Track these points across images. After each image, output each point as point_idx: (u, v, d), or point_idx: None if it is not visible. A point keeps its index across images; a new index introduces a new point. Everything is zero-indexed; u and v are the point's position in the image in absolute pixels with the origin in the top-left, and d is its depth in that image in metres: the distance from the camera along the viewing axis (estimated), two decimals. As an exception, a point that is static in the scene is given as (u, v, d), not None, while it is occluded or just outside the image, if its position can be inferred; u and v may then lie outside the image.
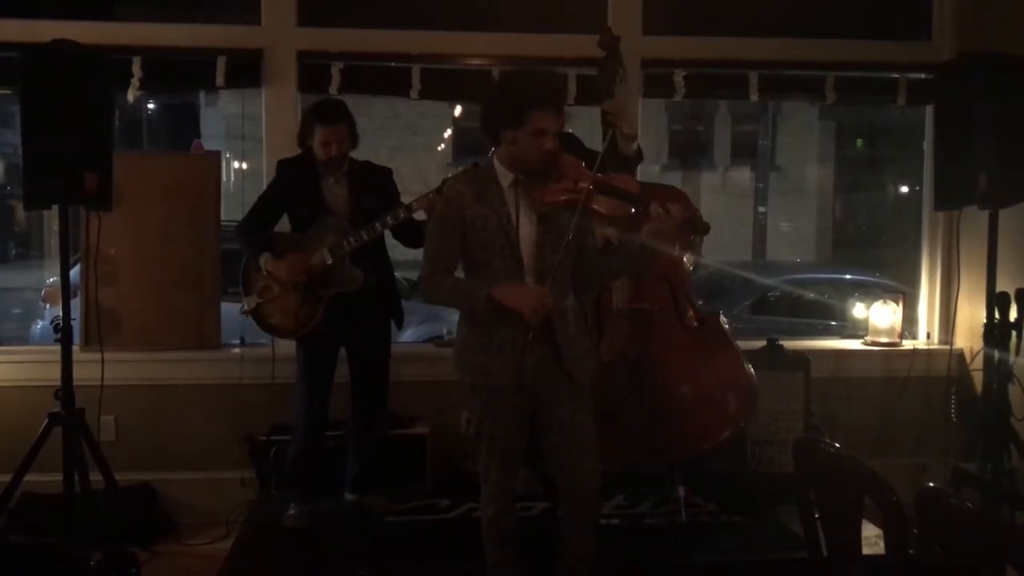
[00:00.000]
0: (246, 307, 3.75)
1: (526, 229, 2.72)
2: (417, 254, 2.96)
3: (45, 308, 6.98)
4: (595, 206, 2.71)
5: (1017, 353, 3.79)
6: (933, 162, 4.18)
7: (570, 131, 3.71)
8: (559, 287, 2.74)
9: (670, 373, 3.55)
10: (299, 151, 3.73)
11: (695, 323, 3.65)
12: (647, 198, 2.75)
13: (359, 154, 3.80)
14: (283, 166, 3.78)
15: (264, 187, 3.90)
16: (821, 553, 2.17)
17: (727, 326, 3.75)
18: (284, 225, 3.80)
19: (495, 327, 2.73)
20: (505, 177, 2.73)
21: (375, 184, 3.74)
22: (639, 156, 3.69)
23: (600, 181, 2.73)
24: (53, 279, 7.11)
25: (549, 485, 3.40)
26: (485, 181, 2.75)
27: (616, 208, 2.74)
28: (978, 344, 4.03)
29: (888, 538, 1.90)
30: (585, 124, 3.80)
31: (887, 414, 4.45)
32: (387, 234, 3.65)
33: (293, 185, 3.69)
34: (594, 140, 3.78)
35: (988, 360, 3.86)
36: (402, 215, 3.56)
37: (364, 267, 3.63)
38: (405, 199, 3.66)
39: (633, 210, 2.73)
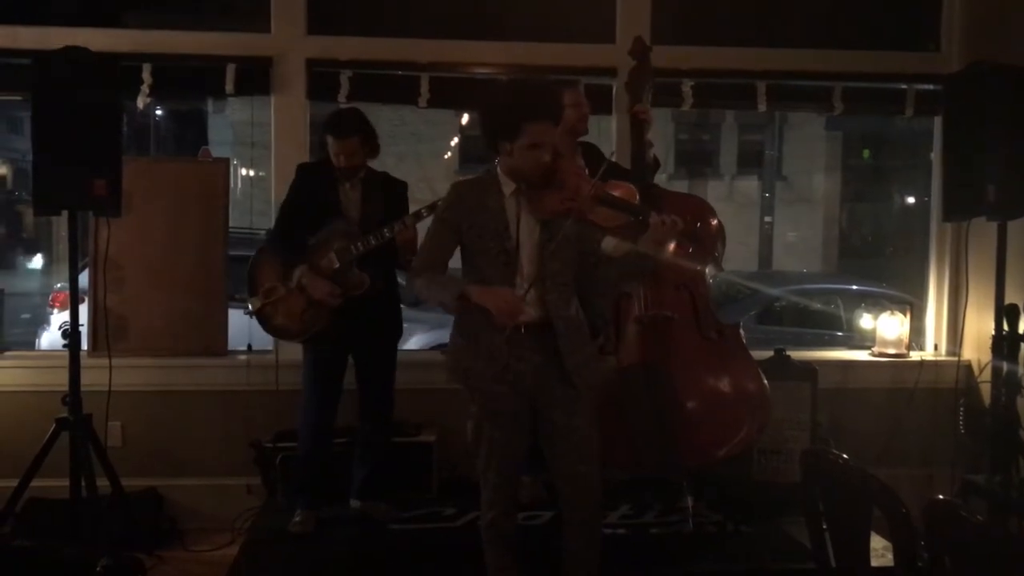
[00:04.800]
0: (251, 308, 3.74)
1: (528, 237, 2.74)
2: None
3: (52, 313, 7.02)
4: (591, 216, 2.71)
5: (1026, 365, 3.78)
6: (941, 173, 4.18)
7: (589, 141, 3.74)
8: (559, 295, 2.76)
9: (687, 381, 3.55)
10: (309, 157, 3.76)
11: (714, 333, 3.65)
12: (646, 208, 2.76)
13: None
14: (303, 170, 3.81)
15: (279, 194, 3.92)
16: (829, 564, 2.17)
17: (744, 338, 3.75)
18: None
19: (481, 332, 2.75)
20: (507, 186, 2.76)
21: (388, 195, 3.75)
22: (656, 163, 3.72)
23: (599, 192, 2.74)
24: (61, 284, 7.15)
25: (554, 491, 3.40)
26: (488, 188, 2.78)
27: (613, 218, 2.74)
28: (986, 356, 4.02)
29: (896, 550, 1.90)
30: (591, 132, 3.81)
31: (894, 425, 4.44)
32: None
33: (312, 188, 3.70)
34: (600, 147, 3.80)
35: (996, 372, 3.85)
36: (397, 227, 3.56)
37: (372, 273, 3.63)
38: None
39: (632, 220, 2.73)
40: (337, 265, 3.60)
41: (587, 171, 2.85)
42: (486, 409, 2.81)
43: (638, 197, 3.05)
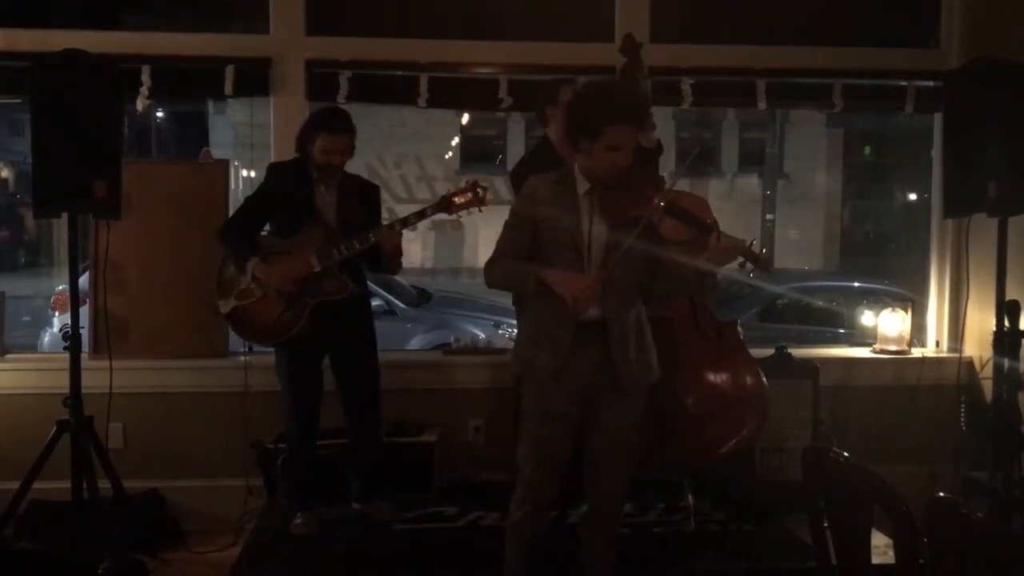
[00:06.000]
0: (222, 309, 3.66)
1: (599, 237, 2.75)
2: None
3: (54, 316, 7.03)
4: (659, 227, 2.71)
5: (1027, 361, 3.77)
6: (942, 170, 4.17)
7: None
8: (619, 300, 2.77)
9: (686, 381, 3.55)
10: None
11: (712, 332, 3.64)
12: (713, 225, 2.74)
13: (365, 161, 3.80)
14: (275, 169, 3.77)
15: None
16: (830, 562, 2.16)
17: (742, 336, 3.75)
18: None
19: (546, 325, 2.79)
20: (582, 184, 2.77)
21: (363, 198, 3.73)
22: (659, 148, 3.70)
23: (669, 203, 2.73)
24: (62, 287, 7.15)
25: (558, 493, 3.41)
26: (564, 184, 2.79)
27: (680, 231, 2.74)
28: (988, 352, 4.01)
29: (898, 547, 1.89)
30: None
31: (896, 422, 4.43)
32: None
33: (285, 189, 3.65)
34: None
35: (998, 368, 3.84)
36: (383, 232, 3.55)
37: (350, 276, 3.61)
38: (399, 210, 3.65)
39: (698, 235, 2.72)
40: (318, 268, 3.55)
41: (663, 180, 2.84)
42: (537, 406, 2.82)
43: (708, 212, 3.02)
